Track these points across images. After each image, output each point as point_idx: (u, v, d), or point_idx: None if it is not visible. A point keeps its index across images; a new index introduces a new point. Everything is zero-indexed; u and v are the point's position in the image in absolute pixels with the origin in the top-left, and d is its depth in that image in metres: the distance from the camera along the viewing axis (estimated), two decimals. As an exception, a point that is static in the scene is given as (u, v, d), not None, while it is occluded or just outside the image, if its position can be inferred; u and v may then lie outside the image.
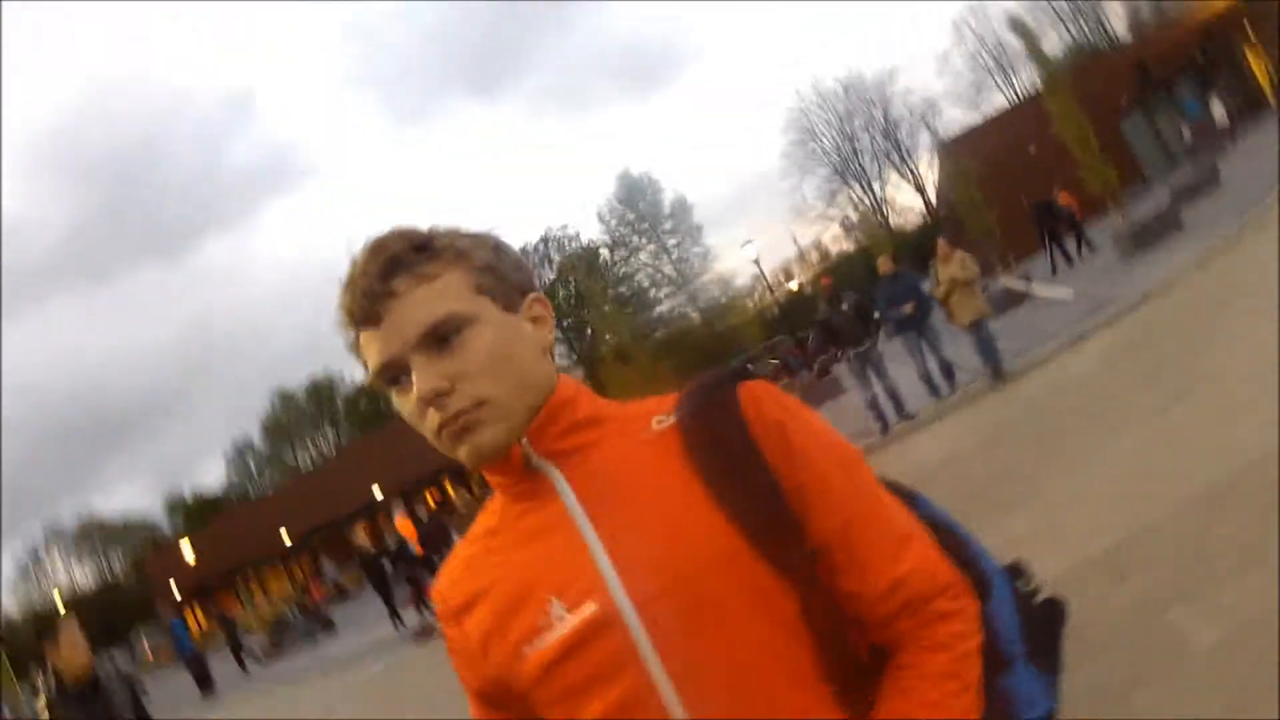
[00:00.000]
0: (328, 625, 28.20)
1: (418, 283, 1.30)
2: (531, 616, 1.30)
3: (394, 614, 20.10)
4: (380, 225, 1.36)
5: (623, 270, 69.16)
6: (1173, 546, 5.17)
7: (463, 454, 1.32)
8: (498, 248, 1.40)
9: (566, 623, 1.27)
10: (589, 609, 1.26)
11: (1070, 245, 25.26)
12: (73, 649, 5.65)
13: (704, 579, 1.24)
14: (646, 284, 70.24)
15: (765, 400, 1.34)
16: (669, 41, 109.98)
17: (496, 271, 1.36)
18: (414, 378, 1.29)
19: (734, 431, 1.31)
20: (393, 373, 1.32)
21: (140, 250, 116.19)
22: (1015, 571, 1.49)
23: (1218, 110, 35.45)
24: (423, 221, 1.38)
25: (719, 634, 1.24)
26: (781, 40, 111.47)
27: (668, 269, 71.01)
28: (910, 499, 1.44)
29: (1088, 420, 9.06)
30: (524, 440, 1.33)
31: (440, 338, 1.29)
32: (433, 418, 1.30)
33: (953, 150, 31.45)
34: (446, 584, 1.44)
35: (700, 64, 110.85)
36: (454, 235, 1.37)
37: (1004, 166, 37.17)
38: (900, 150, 73.32)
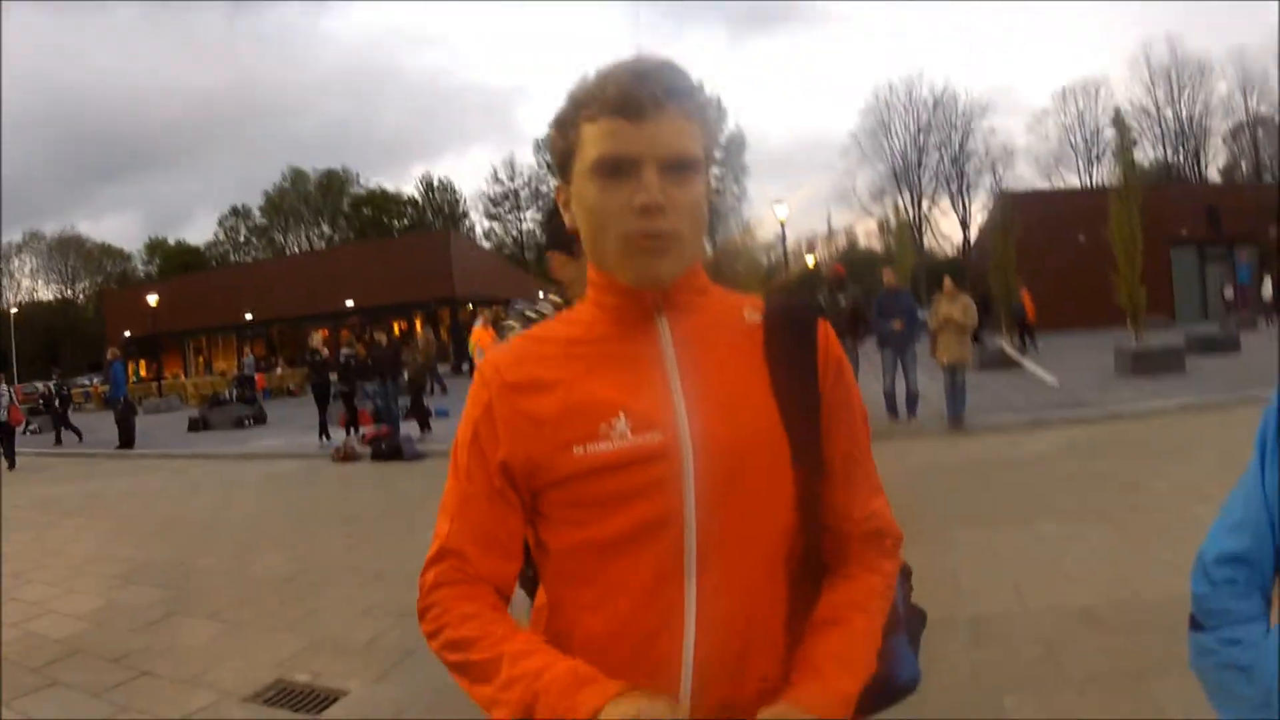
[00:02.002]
0: (259, 417, 27.87)
1: (685, 115, 1.45)
2: (593, 423, 1.45)
3: (324, 427, 20.22)
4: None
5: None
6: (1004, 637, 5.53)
7: (639, 265, 1.46)
8: (715, 117, 1.65)
9: (627, 440, 1.44)
10: (653, 436, 1.44)
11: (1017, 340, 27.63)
12: None
13: (750, 448, 1.47)
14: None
15: (832, 339, 1.61)
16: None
17: (712, 140, 1.54)
18: (649, 184, 1.42)
19: (806, 351, 1.56)
20: (619, 166, 1.44)
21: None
22: (906, 571, 1.83)
23: (1267, 288, 35.75)
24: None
25: (746, 495, 1.46)
26: (900, 26, 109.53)
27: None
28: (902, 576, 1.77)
29: (1011, 497, 9.43)
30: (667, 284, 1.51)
31: (679, 166, 1.44)
32: (634, 222, 1.43)
33: (1008, 204, 31.32)
34: (510, 360, 1.55)
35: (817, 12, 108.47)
36: (702, 90, 1.53)
37: (1048, 241, 37.20)
38: (962, 181, 73.09)
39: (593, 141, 1.45)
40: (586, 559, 1.48)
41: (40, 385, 47.74)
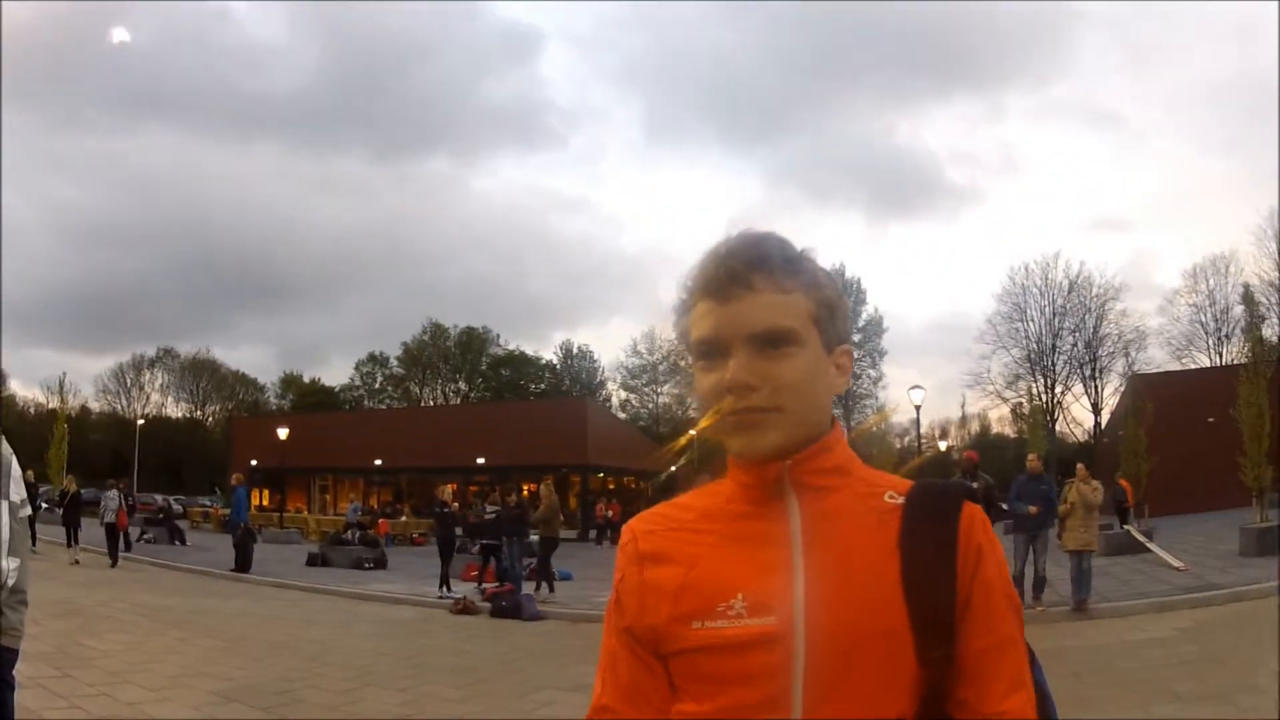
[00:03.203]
0: (380, 561, 27.47)
1: (774, 288, 1.45)
2: (713, 600, 1.43)
3: (446, 579, 20.18)
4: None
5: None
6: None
7: (740, 442, 1.47)
8: (841, 295, 1.56)
9: (743, 622, 1.41)
10: (768, 620, 1.40)
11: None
12: None
13: (868, 642, 1.39)
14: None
15: (977, 524, 1.50)
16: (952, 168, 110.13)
17: (833, 313, 1.52)
18: (732, 364, 1.43)
19: (945, 537, 1.47)
20: (713, 349, 1.47)
21: (373, 134, 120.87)
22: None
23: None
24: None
25: (858, 691, 1.39)
26: (1043, 210, 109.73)
27: (840, 377, 70.54)
28: (1032, 659, 1.59)
29: (1128, 681, 9.23)
30: (787, 463, 1.47)
31: (770, 341, 1.44)
32: (728, 402, 1.44)
33: (1139, 387, 30.97)
34: (643, 529, 1.58)
35: (967, 197, 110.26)
36: (816, 265, 1.53)
37: (1179, 422, 36.41)
38: (1095, 365, 71.83)
39: (694, 325, 1.50)
40: None
41: (159, 498, 48.95)
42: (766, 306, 1.45)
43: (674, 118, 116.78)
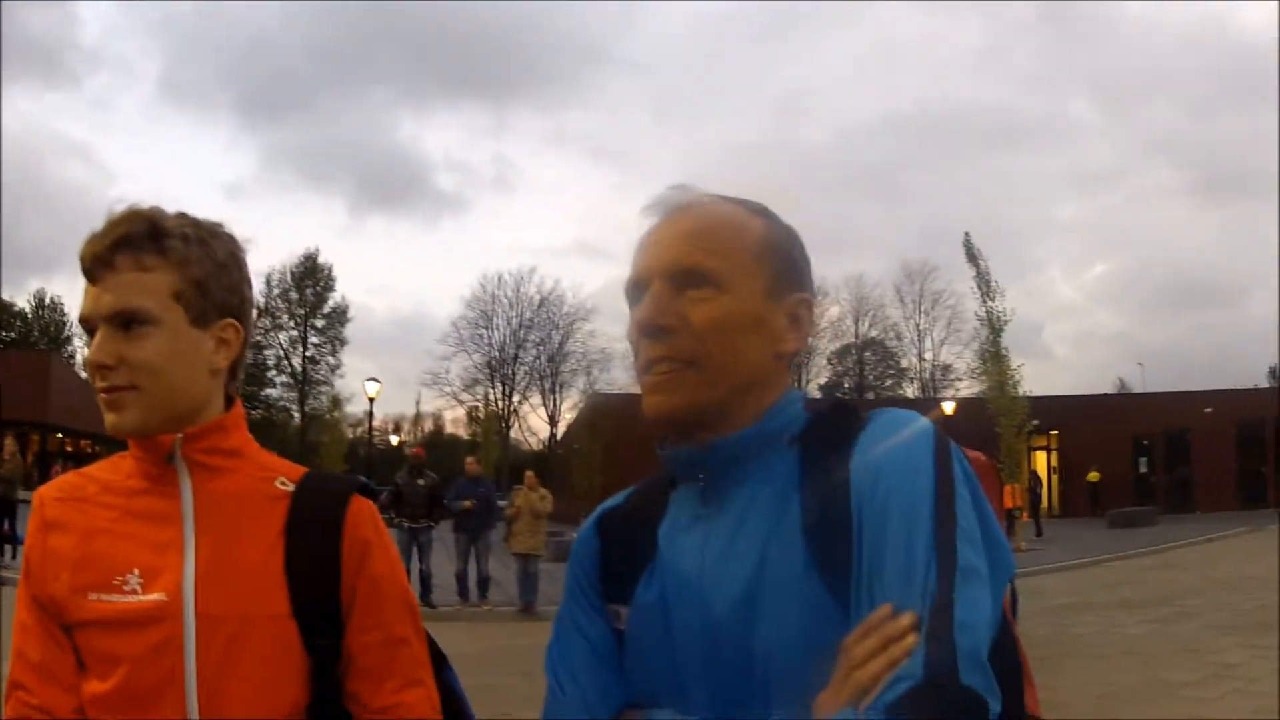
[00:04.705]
0: None
1: (134, 267, 1.46)
2: (109, 573, 1.44)
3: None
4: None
5: (258, 338, 66.78)
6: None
7: (108, 422, 1.47)
8: (221, 266, 1.54)
9: (136, 597, 1.43)
10: (159, 597, 1.43)
11: None
12: None
13: (255, 625, 1.45)
14: (271, 362, 68.21)
15: (364, 517, 1.56)
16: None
17: (203, 287, 1.51)
18: (95, 344, 1.46)
19: (329, 528, 1.52)
20: (87, 326, 1.48)
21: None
22: None
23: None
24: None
25: (250, 675, 1.44)
26: (516, 221, 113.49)
27: (297, 360, 69.98)
28: (440, 660, 1.67)
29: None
30: (178, 438, 1.49)
31: (125, 321, 1.45)
32: (96, 380, 1.46)
33: (598, 403, 32.68)
34: (51, 496, 1.56)
35: (448, 198, 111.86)
36: (188, 237, 1.50)
37: (634, 441, 38.56)
38: (556, 379, 74.64)
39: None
40: (98, 716, 1.44)
41: None
42: (123, 286, 1.45)
43: (193, 79, 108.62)
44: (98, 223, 1.47)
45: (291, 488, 1.55)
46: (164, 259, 1.47)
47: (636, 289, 1.34)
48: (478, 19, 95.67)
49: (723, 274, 1.28)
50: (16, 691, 1.48)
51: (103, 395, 1.46)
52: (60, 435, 48.93)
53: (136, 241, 1.46)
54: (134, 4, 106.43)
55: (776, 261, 1.33)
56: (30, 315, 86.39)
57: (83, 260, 1.48)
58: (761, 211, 1.37)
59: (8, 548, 18.29)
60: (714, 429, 1.30)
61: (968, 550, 1.12)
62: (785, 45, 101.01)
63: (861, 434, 1.25)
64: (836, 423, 1.30)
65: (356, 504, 1.56)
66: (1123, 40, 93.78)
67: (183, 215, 1.54)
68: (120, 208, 1.50)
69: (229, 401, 1.59)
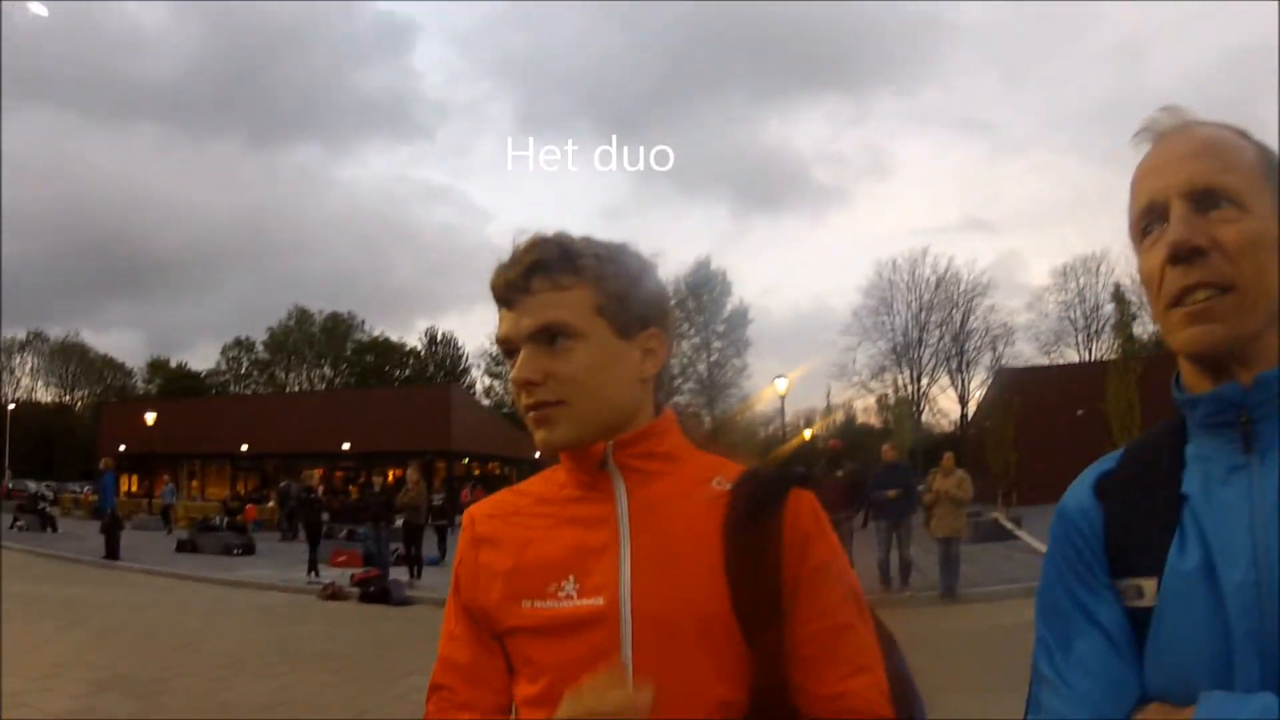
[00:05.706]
0: (248, 547, 26.99)
1: (551, 287, 1.49)
2: (544, 581, 1.47)
3: (314, 564, 20.04)
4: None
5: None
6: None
7: (537, 439, 1.50)
8: (637, 279, 1.56)
9: (572, 602, 1.45)
10: (596, 601, 1.44)
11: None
12: None
13: (692, 626, 1.42)
14: (675, 370, 69.77)
15: (804, 509, 1.51)
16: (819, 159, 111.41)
17: (623, 300, 1.52)
18: (518, 363, 1.49)
19: (767, 524, 1.47)
20: (507, 348, 1.53)
21: (247, 121, 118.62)
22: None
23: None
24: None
25: (686, 674, 1.41)
26: (905, 204, 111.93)
27: (701, 366, 71.27)
28: (889, 644, 1.61)
29: (1002, 664, 9.21)
30: (609, 445, 1.51)
31: (549, 337, 1.48)
32: (522, 398, 1.50)
33: (1006, 380, 31.65)
34: (482, 514, 1.63)
35: (829, 191, 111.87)
36: (600, 255, 1.53)
37: (1046, 416, 37.34)
38: (962, 359, 73.38)
39: (499, 324, 1.55)
40: (530, 716, 1.49)
41: (32, 485, 47.60)
42: (542, 306, 1.49)
43: (548, 112, 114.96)
44: (481, 257, 1.54)
45: (728, 486, 1.52)
46: (580, 277, 1.50)
47: (1149, 215, 1.26)
48: (810, 13, 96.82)
49: (1243, 192, 1.21)
50: (440, 692, 1.56)
51: (531, 413, 1.49)
52: (467, 460, 51.32)
53: (550, 264, 1.49)
54: (471, 50, 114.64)
55: (1277, 181, 1.26)
56: (423, 352, 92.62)
57: (495, 289, 1.53)
58: (1243, 133, 1.29)
59: (416, 569, 19.48)
60: (1248, 364, 1.20)
61: None
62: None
63: None
64: None
65: (796, 496, 1.51)
66: None
67: (588, 238, 1.56)
68: (523, 238, 1.54)
69: (658, 411, 1.60)
